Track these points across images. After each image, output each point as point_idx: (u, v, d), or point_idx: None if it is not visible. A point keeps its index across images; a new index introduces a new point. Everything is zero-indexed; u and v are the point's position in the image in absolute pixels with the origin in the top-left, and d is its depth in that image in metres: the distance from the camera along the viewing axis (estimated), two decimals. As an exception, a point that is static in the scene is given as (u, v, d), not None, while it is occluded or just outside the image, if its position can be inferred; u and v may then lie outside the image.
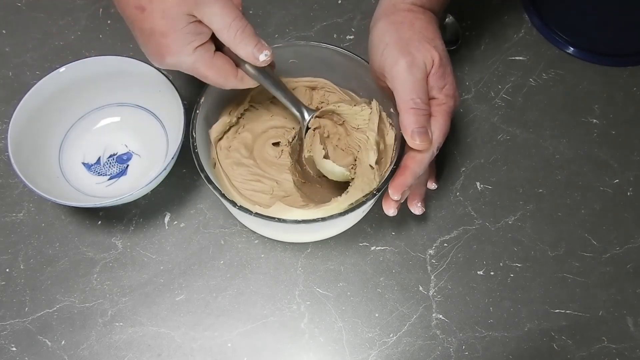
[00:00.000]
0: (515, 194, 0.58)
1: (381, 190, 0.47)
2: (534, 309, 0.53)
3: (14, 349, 0.51)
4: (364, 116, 0.50)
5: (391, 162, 0.48)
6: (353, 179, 0.49)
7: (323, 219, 0.45)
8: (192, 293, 0.53)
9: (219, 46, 0.46)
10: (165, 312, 0.53)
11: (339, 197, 0.48)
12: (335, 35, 0.66)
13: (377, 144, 0.49)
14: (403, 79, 0.46)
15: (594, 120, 0.62)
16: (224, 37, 0.44)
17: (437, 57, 0.47)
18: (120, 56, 0.56)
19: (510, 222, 0.57)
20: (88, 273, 0.54)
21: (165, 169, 0.51)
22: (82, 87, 0.56)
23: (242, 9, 0.45)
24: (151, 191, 0.56)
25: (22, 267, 0.54)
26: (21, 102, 0.53)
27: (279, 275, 0.54)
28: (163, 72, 0.54)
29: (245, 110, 0.55)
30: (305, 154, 0.51)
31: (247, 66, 0.46)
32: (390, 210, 0.49)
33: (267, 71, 0.48)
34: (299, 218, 0.46)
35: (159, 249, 0.55)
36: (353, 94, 0.56)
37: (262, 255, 0.55)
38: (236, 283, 0.54)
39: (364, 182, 0.48)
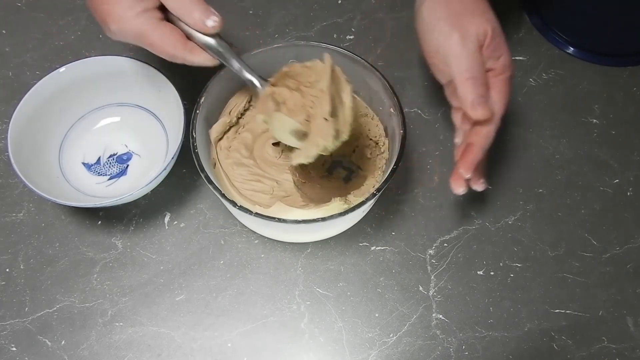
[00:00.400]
0: (515, 194, 0.58)
1: (381, 190, 0.47)
2: (534, 309, 0.53)
3: (14, 349, 0.51)
4: (316, 71, 0.48)
5: (395, 162, 0.48)
6: (306, 134, 0.47)
7: (323, 219, 0.45)
8: (192, 293, 0.53)
9: (171, 21, 0.46)
10: (165, 312, 0.53)
11: (338, 198, 0.48)
12: (335, 35, 0.66)
13: (331, 97, 0.47)
14: (457, 52, 0.46)
15: (594, 120, 0.62)
16: (170, 4, 0.44)
17: (490, 28, 0.47)
18: (120, 56, 0.56)
19: (510, 222, 0.57)
20: (88, 273, 0.54)
21: (165, 169, 0.51)
22: (82, 87, 0.56)
23: None
24: (151, 191, 0.56)
25: (22, 267, 0.54)
26: (21, 102, 0.53)
27: (279, 275, 0.54)
28: (163, 72, 0.54)
29: (245, 110, 0.55)
30: (258, 119, 0.49)
31: (197, 37, 0.46)
32: (460, 188, 0.48)
33: (221, 43, 0.47)
34: (299, 218, 0.46)
35: (159, 249, 0.55)
36: (354, 95, 0.56)
37: (262, 255, 0.55)
38: (236, 283, 0.54)
39: (320, 136, 0.46)
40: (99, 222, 0.56)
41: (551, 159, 0.60)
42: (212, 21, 0.44)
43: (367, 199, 0.46)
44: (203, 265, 0.55)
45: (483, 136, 0.47)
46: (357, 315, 0.53)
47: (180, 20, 0.45)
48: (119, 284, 0.54)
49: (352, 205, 0.46)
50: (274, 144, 0.54)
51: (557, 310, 0.53)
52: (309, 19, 0.67)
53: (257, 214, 0.45)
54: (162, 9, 0.45)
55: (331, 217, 0.45)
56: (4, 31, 0.67)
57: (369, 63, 0.51)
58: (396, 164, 0.47)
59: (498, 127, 0.48)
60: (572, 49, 0.65)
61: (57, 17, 0.67)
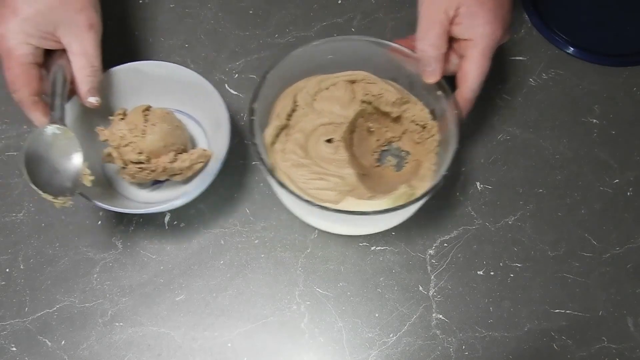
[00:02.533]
0: (515, 194, 0.58)
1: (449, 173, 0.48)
2: (534, 309, 0.53)
3: (14, 349, 0.51)
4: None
5: (458, 142, 0.48)
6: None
7: (402, 206, 0.46)
8: (192, 293, 0.53)
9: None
10: (165, 312, 0.53)
11: (404, 184, 0.50)
12: (335, 35, 0.66)
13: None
14: (420, 17, 0.50)
15: (594, 120, 0.62)
16: (76, 61, 0.48)
17: (463, 2, 0.48)
18: (177, 65, 0.56)
19: (510, 222, 0.57)
20: (88, 273, 0.54)
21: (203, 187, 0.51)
22: (133, 89, 0.57)
23: None
24: (151, 191, 0.56)
25: (22, 267, 0.54)
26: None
27: (279, 275, 0.54)
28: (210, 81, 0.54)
29: (292, 111, 0.54)
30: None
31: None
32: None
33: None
34: (371, 209, 0.46)
35: (159, 249, 0.55)
36: (394, 83, 0.55)
37: (262, 255, 0.55)
38: (236, 283, 0.54)
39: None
40: (99, 222, 0.56)
41: (551, 159, 0.60)
42: (95, 100, 0.50)
43: (437, 184, 0.47)
44: (203, 265, 0.55)
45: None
46: (357, 315, 0.53)
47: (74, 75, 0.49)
48: (119, 284, 0.54)
49: (423, 192, 0.46)
50: (327, 141, 0.53)
51: (557, 310, 0.53)
52: (309, 19, 0.67)
53: (338, 210, 0.46)
54: (48, 53, 0.49)
55: (418, 198, 0.46)
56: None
57: (407, 49, 0.51)
58: (459, 143, 0.48)
59: (475, 96, 0.50)
60: (572, 49, 0.65)
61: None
